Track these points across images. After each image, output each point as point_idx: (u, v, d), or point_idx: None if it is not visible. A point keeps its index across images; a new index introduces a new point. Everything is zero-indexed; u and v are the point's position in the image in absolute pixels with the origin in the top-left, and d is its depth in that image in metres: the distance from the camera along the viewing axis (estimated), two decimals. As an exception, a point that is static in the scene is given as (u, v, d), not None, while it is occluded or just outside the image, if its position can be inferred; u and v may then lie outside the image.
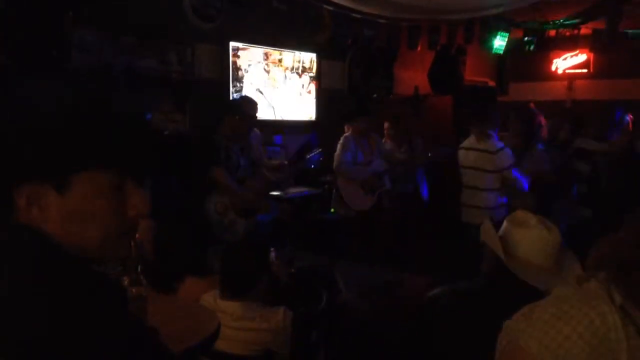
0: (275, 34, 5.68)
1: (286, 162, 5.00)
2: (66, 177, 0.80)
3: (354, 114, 5.17)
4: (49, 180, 0.79)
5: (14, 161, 0.78)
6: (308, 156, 4.92)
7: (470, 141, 4.70)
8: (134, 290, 1.59)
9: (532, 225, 1.93)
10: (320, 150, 4.97)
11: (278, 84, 6.02)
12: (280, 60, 6.02)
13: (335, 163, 4.98)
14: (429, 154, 5.43)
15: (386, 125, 5.77)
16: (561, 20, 6.82)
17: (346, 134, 5.07)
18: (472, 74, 8.32)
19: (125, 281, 1.59)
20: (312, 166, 4.89)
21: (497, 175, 4.52)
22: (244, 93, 5.54)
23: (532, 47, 7.33)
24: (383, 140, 5.54)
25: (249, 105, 4.54)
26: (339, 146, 5.00)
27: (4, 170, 0.78)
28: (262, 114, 5.62)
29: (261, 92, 5.80)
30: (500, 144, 4.53)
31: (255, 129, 4.78)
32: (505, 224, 1.99)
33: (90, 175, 0.82)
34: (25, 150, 0.78)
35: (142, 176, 0.89)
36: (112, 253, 0.89)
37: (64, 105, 0.82)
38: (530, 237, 1.91)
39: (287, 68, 6.10)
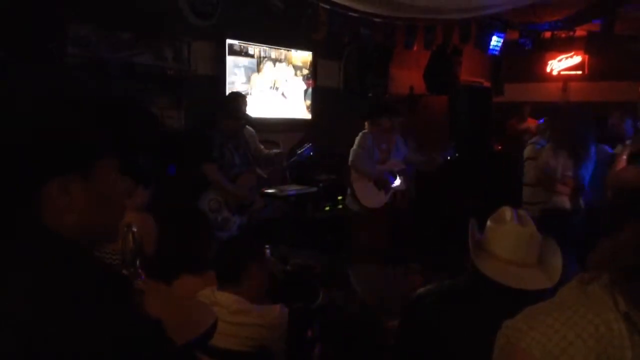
0: (271, 32, 5.67)
1: (282, 151, 4.99)
2: (91, 165, 0.85)
3: (380, 112, 5.08)
4: (76, 170, 0.84)
5: (44, 156, 0.81)
6: (299, 151, 4.91)
7: None
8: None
9: (505, 221, 1.91)
10: (310, 144, 4.95)
11: (273, 82, 6.01)
12: (276, 58, 6.01)
13: (350, 158, 4.94)
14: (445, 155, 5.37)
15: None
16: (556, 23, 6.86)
17: (364, 131, 4.99)
18: (468, 74, 8.35)
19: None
20: (303, 160, 4.88)
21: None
22: (238, 90, 5.54)
23: (528, 46, 7.35)
24: None
25: (237, 100, 4.54)
26: (356, 141, 4.95)
27: (34, 165, 0.81)
28: (257, 112, 5.63)
29: (258, 90, 5.79)
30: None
31: (247, 126, 4.78)
32: (488, 221, 1.99)
33: (107, 161, 0.88)
34: (54, 145, 0.81)
35: (145, 160, 0.95)
36: (116, 232, 0.97)
37: (85, 98, 0.88)
38: (502, 233, 1.90)
39: (282, 66, 6.09)
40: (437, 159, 5.28)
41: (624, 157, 3.60)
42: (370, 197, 4.97)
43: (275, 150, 5.04)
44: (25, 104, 0.81)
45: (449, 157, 5.33)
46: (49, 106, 0.82)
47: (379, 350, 2.64)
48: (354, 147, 4.93)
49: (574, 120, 4.33)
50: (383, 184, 5.01)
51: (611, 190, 3.55)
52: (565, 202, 4.32)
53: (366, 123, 5.05)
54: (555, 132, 4.38)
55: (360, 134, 4.98)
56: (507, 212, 1.95)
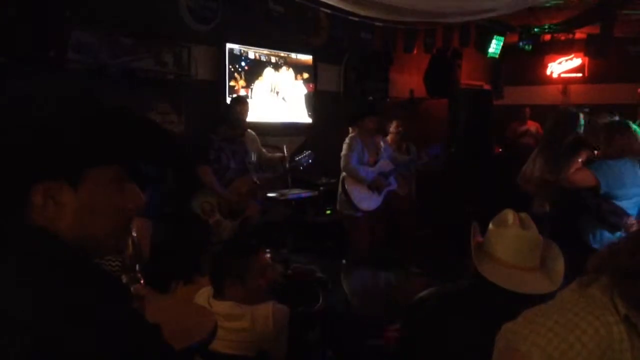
0: (271, 36, 5.67)
1: (285, 155, 5.00)
2: (80, 172, 0.83)
3: (362, 113, 5.17)
4: (64, 177, 0.82)
5: (31, 159, 0.80)
6: (297, 158, 4.92)
7: None
8: (132, 289, 1.59)
9: (508, 225, 1.90)
10: (310, 152, 4.96)
11: (274, 86, 6.01)
12: (276, 63, 6.02)
13: (342, 163, 5.00)
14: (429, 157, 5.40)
15: (395, 123, 5.82)
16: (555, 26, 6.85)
17: (352, 134, 5.08)
18: (468, 77, 8.35)
19: (124, 280, 1.59)
20: (301, 168, 4.90)
21: None
22: (240, 94, 5.54)
23: (528, 49, 7.34)
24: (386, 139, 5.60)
25: (236, 106, 4.56)
26: (345, 146, 5.01)
27: (21, 168, 0.80)
28: (258, 116, 5.64)
29: (258, 94, 5.79)
30: None
31: (249, 130, 4.79)
32: (490, 224, 1.98)
33: (100, 170, 0.85)
34: (43, 148, 0.80)
35: (144, 170, 0.92)
36: (116, 246, 0.93)
37: (76, 105, 0.86)
38: (504, 237, 1.89)
39: (283, 70, 6.09)
40: (424, 157, 5.34)
41: (580, 160, 3.62)
42: (365, 200, 5.02)
43: (278, 154, 5.05)
44: (15, 107, 0.81)
45: (437, 155, 5.35)
46: (38, 110, 0.81)
47: (381, 353, 2.64)
48: (344, 152, 4.99)
49: (553, 123, 4.23)
50: (378, 185, 5.05)
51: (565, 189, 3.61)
52: (541, 206, 4.16)
53: (350, 129, 5.15)
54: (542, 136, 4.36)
55: (347, 139, 5.06)
56: (510, 215, 1.94)
